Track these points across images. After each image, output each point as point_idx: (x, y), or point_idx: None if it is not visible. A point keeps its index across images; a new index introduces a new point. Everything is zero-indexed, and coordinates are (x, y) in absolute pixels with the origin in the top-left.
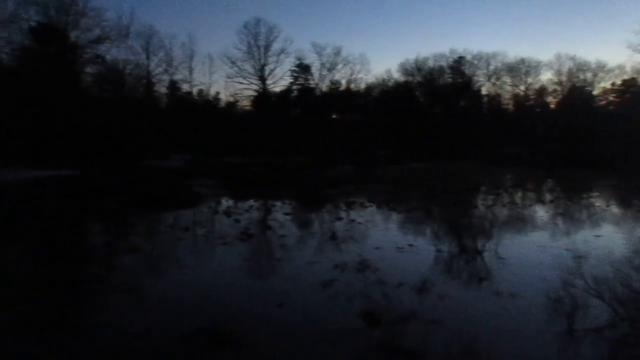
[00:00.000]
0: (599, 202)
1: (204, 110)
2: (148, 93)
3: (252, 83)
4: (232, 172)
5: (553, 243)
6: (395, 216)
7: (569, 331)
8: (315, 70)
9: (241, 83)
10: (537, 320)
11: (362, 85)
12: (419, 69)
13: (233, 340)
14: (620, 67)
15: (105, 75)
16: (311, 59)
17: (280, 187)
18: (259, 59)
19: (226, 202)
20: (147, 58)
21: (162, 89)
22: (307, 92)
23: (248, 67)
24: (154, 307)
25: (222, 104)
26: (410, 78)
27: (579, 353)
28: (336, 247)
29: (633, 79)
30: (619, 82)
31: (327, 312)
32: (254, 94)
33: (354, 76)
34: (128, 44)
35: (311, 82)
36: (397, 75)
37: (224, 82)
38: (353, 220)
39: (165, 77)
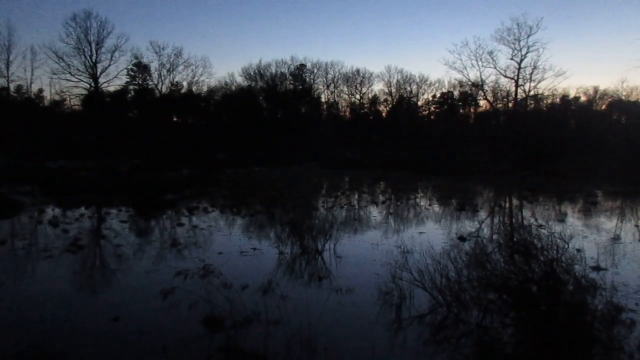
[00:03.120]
0: (422, 202)
1: (24, 108)
2: None
3: (82, 81)
4: (58, 177)
5: (385, 240)
6: (238, 220)
7: (397, 319)
8: (154, 70)
9: (69, 80)
10: (371, 312)
11: (205, 88)
12: (261, 75)
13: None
14: (440, 82)
15: None
16: (150, 59)
17: (115, 192)
18: (90, 55)
19: (52, 211)
20: None
21: None
22: (145, 92)
23: (77, 63)
24: None
25: (46, 102)
26: (253, 83)
27: (405, 338)
28: (178, 254)
29: (449, 92)
30: (438, 94)
31: (167, 321)
32: (85, 92)
33: (195, 78)
34: None
35: (150, 82)
36: (240, 80)
37: (48, 78)
38: (195, 226)
39: None
